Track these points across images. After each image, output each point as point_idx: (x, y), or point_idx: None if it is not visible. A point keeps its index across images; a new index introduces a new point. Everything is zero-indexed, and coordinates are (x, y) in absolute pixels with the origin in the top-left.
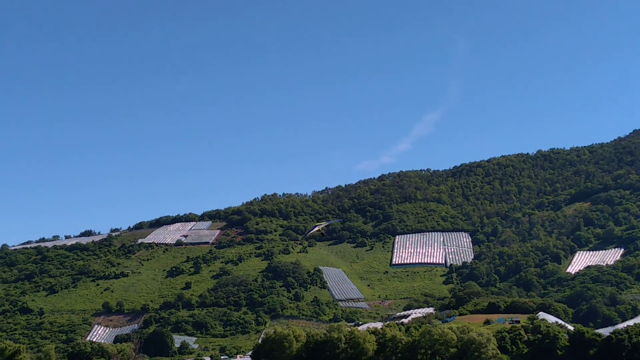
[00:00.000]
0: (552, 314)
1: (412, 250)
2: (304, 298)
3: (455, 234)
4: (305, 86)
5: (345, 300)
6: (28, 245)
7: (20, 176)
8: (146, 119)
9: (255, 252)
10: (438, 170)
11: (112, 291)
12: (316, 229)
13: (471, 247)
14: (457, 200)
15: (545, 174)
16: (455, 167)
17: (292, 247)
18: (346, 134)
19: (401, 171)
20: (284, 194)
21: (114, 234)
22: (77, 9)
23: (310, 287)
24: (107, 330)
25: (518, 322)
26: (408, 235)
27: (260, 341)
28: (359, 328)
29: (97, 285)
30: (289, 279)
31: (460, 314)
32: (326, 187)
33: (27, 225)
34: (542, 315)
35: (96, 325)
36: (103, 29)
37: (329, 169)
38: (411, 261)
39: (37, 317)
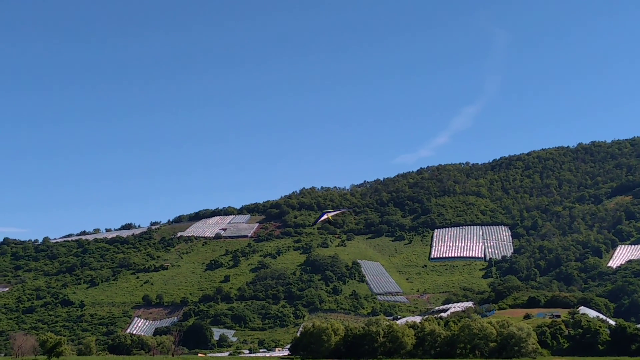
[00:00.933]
0: (593, 309)
1: (451, 244)
2: (343, 292)
3: (494, 227)
4: (344, 80)
5: (383, 294)
6: (69, 239)
7: (61, 170)
8: (186, 114)
9: (293, 246)
10: (477, 164)
11: (152, 284)
12: (325, 217)
13: (511, 241)
14: (497, 193)
15: (586, 167)
16: (494, 160)
17: (331, 241)
18: (384, 128)
19: (440, 165)
20: (322, 188)
21: (153, 227)
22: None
23: (348, 281)
24: (147, 323)
25: (558, 316)
26: (447, 229)
27: (298, 334)
28: (398, 322)
29: (137, 278)
30: (327, 273)
31: (500, 308)
32: (364, 181)
33: (68, 218)
34: (583, 309)
35: (136, 318)
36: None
37: (368, 163)
38: (450, 255)
39: (78, 310)
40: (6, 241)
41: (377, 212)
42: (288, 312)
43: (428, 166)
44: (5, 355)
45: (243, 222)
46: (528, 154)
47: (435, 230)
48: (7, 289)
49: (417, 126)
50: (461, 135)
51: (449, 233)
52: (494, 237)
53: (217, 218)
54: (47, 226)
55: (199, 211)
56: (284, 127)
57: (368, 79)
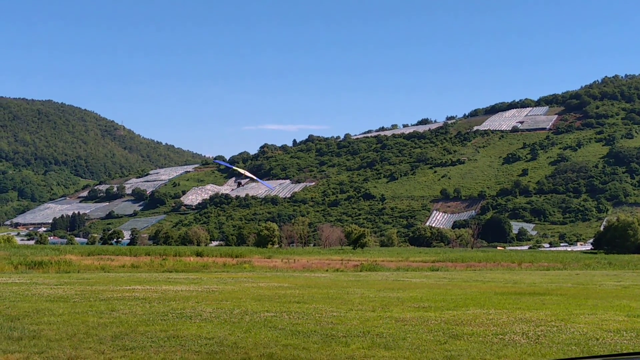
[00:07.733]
0: None
1: None
2: None
3: None
4: None
5: None
6: (369, 135)
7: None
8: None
9: (595, 137)
10: None
11: (449, 178)
12: (241, 171)
13: None
14: None
15: None
16: None
17: (636, 132)
18: None
19: None
20: (626, 76)
21: (449, 121)
22: None
23: None
24: (445, 216)
25: None
26: None
27: (602, 229)
28: None
29: (435, 172)
30: (632, 165)
31: None
32: None
33: (367, 115)
34: None
35: (434, 211)
36: None
37: None
38: None
39: (379, 203)
40: (311, 138)
41: None
42: (590, 205)
43: None
44: (314, 245)
45: (541, 114)
46: None
47: None
48: (314, 183)
49: None
50: None
51: None
52: None
53: (513, 111)
54: (347, 123)
55: (495, 104)
56: (585, 12)
57: None
